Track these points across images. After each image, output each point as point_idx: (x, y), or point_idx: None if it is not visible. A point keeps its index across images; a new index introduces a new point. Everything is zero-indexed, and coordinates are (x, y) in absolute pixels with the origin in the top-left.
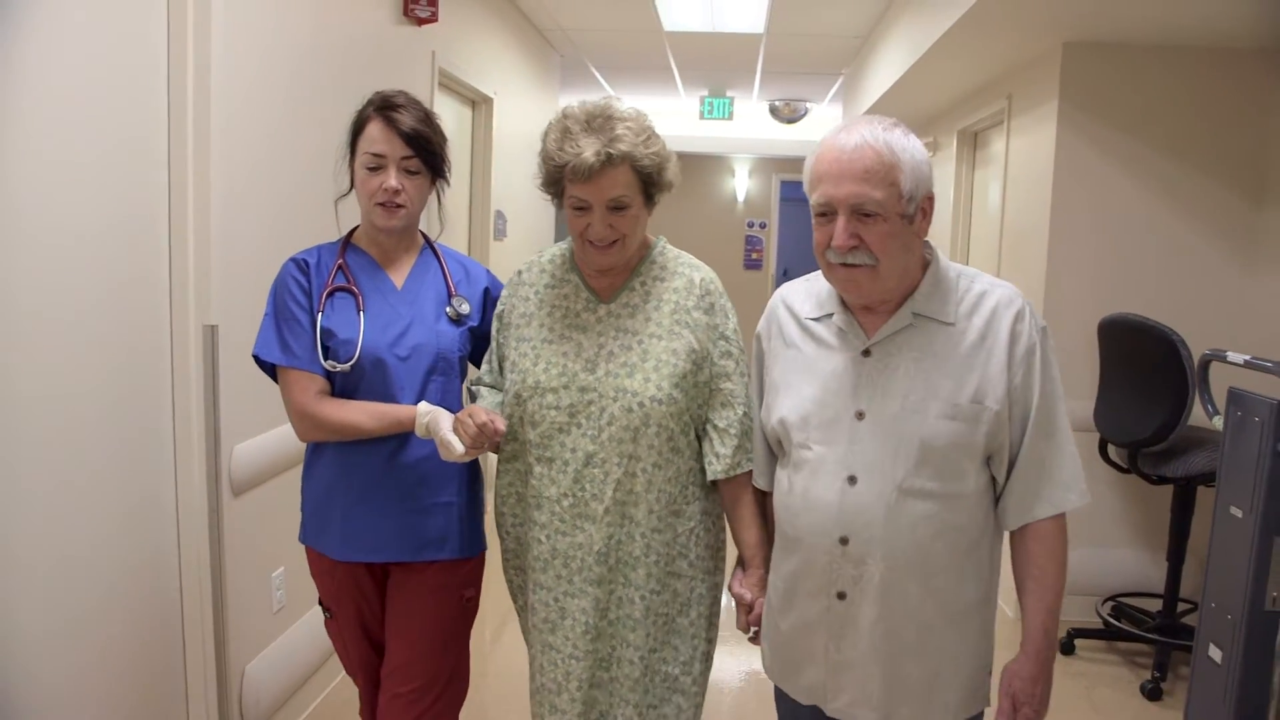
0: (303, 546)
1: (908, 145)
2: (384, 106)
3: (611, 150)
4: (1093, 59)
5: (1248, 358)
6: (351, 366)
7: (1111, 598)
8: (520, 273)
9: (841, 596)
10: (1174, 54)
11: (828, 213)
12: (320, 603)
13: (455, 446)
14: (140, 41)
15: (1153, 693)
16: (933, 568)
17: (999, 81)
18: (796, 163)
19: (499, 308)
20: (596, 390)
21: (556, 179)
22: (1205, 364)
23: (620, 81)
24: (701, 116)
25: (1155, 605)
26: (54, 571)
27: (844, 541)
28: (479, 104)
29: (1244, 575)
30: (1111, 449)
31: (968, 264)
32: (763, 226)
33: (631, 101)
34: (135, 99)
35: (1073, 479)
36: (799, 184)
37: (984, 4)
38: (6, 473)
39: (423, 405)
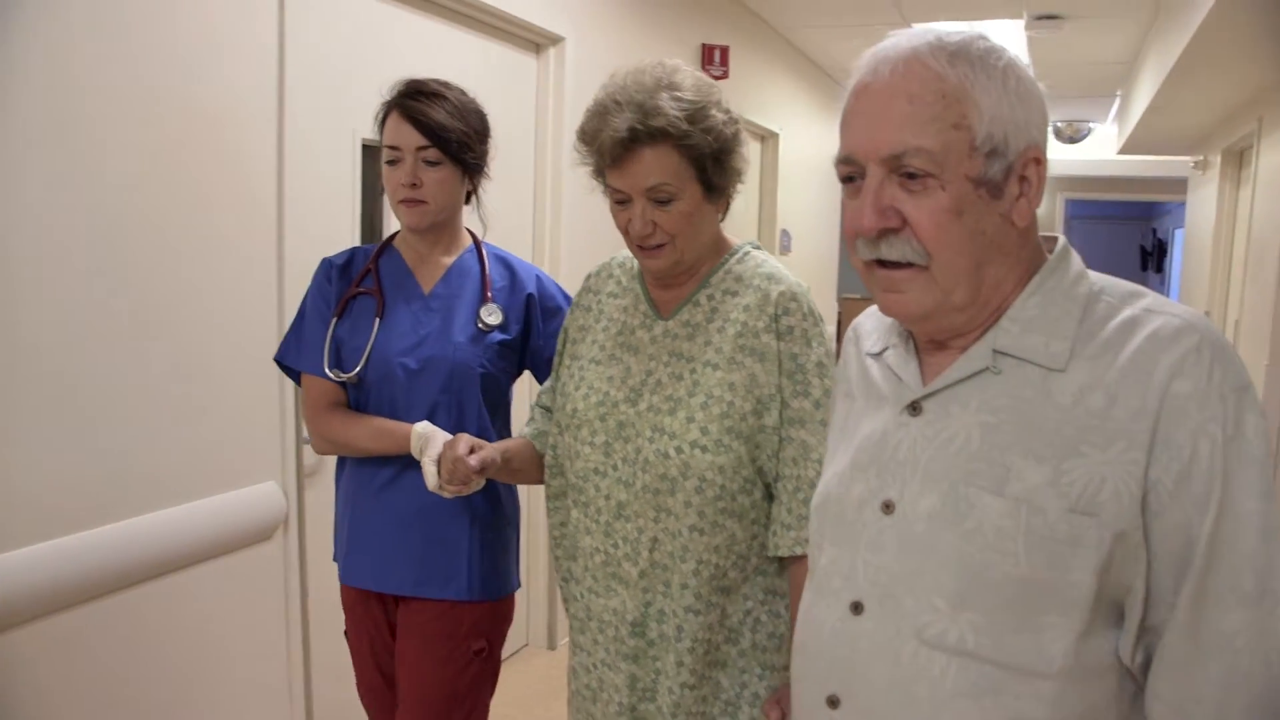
0: None
1: (988, 63)
2: (403, 95)
3: (639, 125)
4: None
5: None
6: (359, 377)
7: None
8: (590, 276)
9: None
10: None
11: (855, 176)
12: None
13: (429, 479)
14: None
15: None
16: None
17: (1252, 103)
18: (1082, 182)
19: (567, 318)
20: (634, 426)
21: (599, 166)
22: None
23: None
24: None
25: None
26: None
27: (833, 704)
28: (766, 139)
29: None
30: None
31: (1228, 286)
32: None
33: None
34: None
35: None
36: (1087, 202)
37: (1202, 34)
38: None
39: (420, 425)
